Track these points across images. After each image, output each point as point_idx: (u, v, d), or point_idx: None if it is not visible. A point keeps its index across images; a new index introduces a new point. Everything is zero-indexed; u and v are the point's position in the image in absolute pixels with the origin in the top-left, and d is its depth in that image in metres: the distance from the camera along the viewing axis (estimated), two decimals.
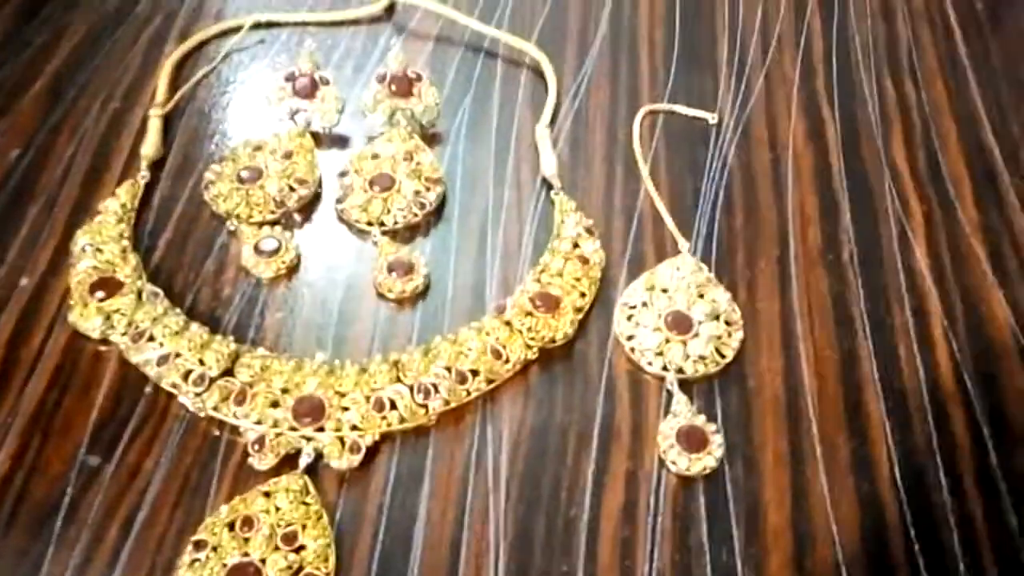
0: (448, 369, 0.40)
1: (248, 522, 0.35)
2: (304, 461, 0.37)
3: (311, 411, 0.38)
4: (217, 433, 0.39)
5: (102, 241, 0.43)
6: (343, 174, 0.48)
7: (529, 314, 0.42)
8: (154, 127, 0.49)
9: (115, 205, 0.45)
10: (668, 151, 0.52)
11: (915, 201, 0.49)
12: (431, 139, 0.51)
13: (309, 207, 0.48)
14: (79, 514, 0.36)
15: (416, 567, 0.35)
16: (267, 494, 0.36)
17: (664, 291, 0.44)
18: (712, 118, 0.53)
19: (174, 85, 0.53)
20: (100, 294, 0.41)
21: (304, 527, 0.35)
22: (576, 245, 0.45)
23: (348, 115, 0.51)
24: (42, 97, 0.52)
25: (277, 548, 0.34)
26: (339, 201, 0.47)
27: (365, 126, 0.51)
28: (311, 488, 0.36)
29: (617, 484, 0.38)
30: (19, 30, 0.56)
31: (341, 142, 0.51)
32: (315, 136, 0.50)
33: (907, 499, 0.38)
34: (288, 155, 0.48)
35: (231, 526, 0.35)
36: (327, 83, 0.50)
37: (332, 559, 0.35)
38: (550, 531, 0.36)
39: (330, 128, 0.51)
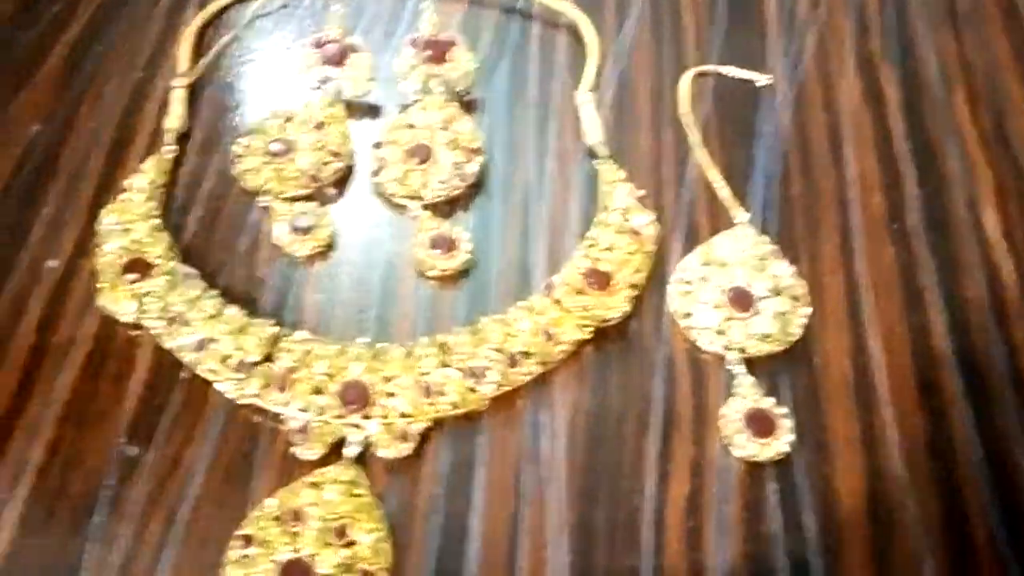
0: (498, 351, 0.38)
1: (297, 515, 0.33)
2: (352, 450, 0.35)
3: (357, 397, 0.36)
4: (258, 419, 0.37)
5: (130, 220, 0.41)
6: (378, 145, 0.45)
7: (580, 292, 0.40)
8: (178, 98, 0.47)
9: (142, 182, 0.43)
10: (718, 115, 0.49)
11: (983, 167, 0.47)
12: (467, 106, 0.49)
13: (343, 180, 0.45)
14: (120, 508, 0.34)
15: (474, 562, 0.33)
16: (315, 485, 0.34)
17: (723, 265, 0.41)
18: (764, 80, 0.50)
19: (197, 54, 0.50)
20: (131, 276, 0.39)
21: (356, 520, 0.33)
22: (627, 218, 0.43)
23: (379, 82, 0.49)
24: (60, 69, 0.50)
25: (328, 544, 0.33)
26: (375, 174, 0.45)
27: (397, 93, 0.49)
28: (361, 479, 0.35)
29: (681, 472, 0.36)
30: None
31: (373, 111, 0.49)
32: (346, 105, 0.48)
33: (990, 485, 0.36)
34: (319, 126, 0.46)
35: (279, 520, 0.33)
36: (357, 50, 0.48)
37: (387, 554, 0.33)
38: (612, 523, 0.35)
39: (361, 97, 0.48)
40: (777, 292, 0.40)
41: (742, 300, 0.40)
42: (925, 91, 0.50)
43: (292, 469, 0.36)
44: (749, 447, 0.36)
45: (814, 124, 0.49)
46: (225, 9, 0.53)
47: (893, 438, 0.37)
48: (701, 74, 0.51)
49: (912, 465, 0.36)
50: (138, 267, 0.39)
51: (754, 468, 0.36)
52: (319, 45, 0.48)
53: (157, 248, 0.40)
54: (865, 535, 0.34)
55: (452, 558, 0.34)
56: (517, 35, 0.53)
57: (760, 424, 0.37)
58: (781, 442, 0.36)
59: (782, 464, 0.36)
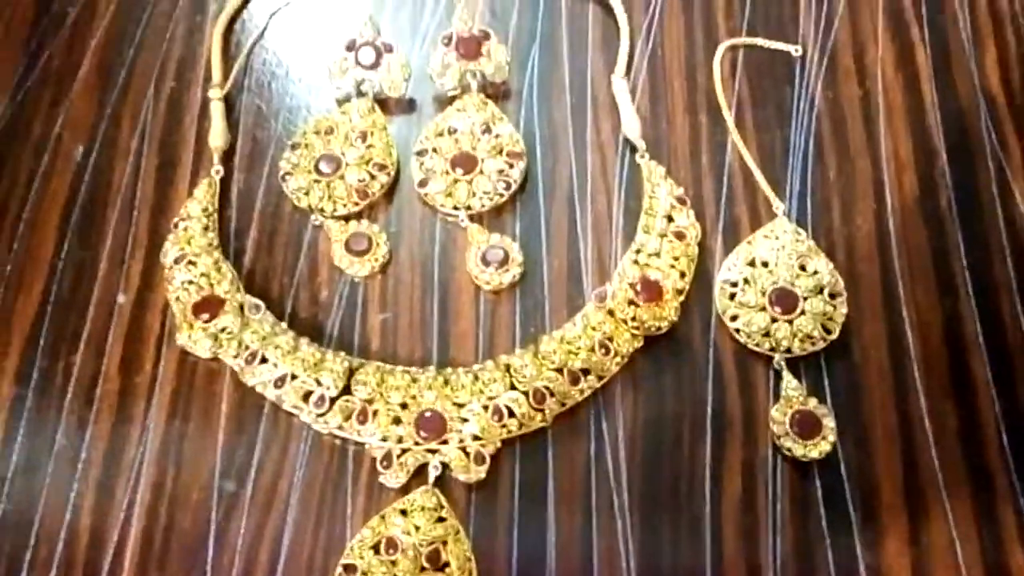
0: (559, 370, 0.39)
1: (392, 544, 0.35)
2: (433, 475, 0.37)
3: (434, 426, 0.38)
4: (340, 442, 0.39)
5: (193, 252, 0.42)
6: (421, 153, 0.45)
7: (632, 302, 0.40)
8: (217, 112, 0.46)
9: (197, 210, 0.43)
10: (752, 93, 0.48)
11: (1012, 136, 0.46)
12: (503, 97, 0.48)
13: (391, 190, 0.45)
14: (228, 541, 0.37)
15: (553, 571, 0.36)
16: (403, 512, 0.36)
17: (764, 264, 0.42)
18: (796, 51, 0.49)
19: (226, 55, 0.49)
20: (204, 316, 0.40)
21: (445, 543, 0.36)
22: (671, 219, 0.43)
23: (414, 77, 0.47)
24: (92, 80, 0.48)
25: (424, 568, 0.35)
26: (421, 185, 0.44)
27: (433, 87, 0.47)
28: (444, 502, 0.37)
29: (734, 474, 0.38)
30: (47, 5, 0.51)
31: (410, 108, 0.48)
32: (382, 104, 0.47)
33: (1015, 467, 0.38)
34: (363, 136, 0.45)
35: (375, 548, 0.36)
36: (391, 50, 0.46)
37: (474, 571, 0.36)
38: (675, 528, 0.37)
39: (398, 95, 0.47)
40: (818, 290, 0.41)
41: (786, 301, 0.41)
42: (955, 53, 0.49)
43: (380, 493, 0.38)
44: (796, 449, 0.38)
45: (847, 98, 0.48)
46: (247, 1, 0.51)
47: (927, 428, 0.39)
48: (733, 47, 0.49)
49: (944, 453, 0.38)
50: (209, 306, 0.40)
51: (801, 466, 0.38)
52: (352, 48, 0.46)
53: (224, 283, 0.41)
54: (904, 524, 0.37)
55: (532, 568, 0.36)
56: (545, 13, 0.50)
57: (805, 426, 0.38)
58: (826, 442, 0.38)
59: (826, 460, 0.38)
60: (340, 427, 0.38)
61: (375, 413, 0.38)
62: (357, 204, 0.44)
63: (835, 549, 0.37)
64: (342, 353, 0.39)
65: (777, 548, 0.37)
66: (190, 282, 0.41)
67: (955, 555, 0.36)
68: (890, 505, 0.37)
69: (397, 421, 0.38)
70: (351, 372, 0.39)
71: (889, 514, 0.37)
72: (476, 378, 0.39)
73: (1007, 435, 0.39)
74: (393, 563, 0.35)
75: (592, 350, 0.39)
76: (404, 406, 0.38)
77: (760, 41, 0.49)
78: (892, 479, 0.38)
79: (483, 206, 0.44)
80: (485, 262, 0.42)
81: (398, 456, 0.38)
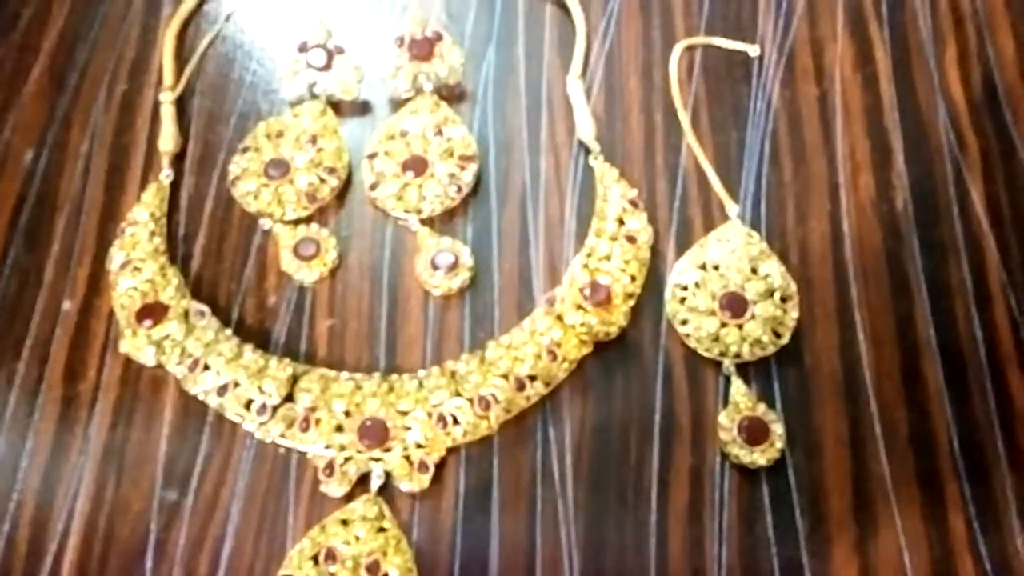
0: (505, 377, 0.37)
1: (331, 555, 0.34)
2: (375, 484, 0.36)
3: (376, 434, 0.36)
4: (286, 454, 0.37)
5: (139, 258, 0.40)
6: (372, 156, 0.43)
7: (580, 307, 0.39)
8: (168, 115, 0.44)
9: (144, 215, 0.41)
10: (708, 93, 0.46)
11: (971, 135, 0.44)
12: (457, 98, 0.46)
13: (342, 193, 0.43)
14: (167, 551, 0.35)
15: None
16: (344, 522, 0.35)
17: (716, 268, 0.40)
18: (753, 51, 0.47)
19: (179, 58, 0.47)
20: (148, 322, 0.38)
21: (385, 554, 0.34)
22: (622, 222, 0.41)
23: (367, 80, 0.46)
24: (43, 84, 0.46)
25: None
26: (372, 188, 0.43)
27: (387, 89, 0.46)
28: (386, 512, 0.35)
29: (681, 481, 0.37)
30: (2, 5, 0.49)
31: (363, 110, 0.46)
32: (335, 106, 0.45)
33: (966, 475, 0.37)
34: (313, 140, 0.43)
35: (315, 559, 0.34)
36: (342, 52, 0.44)
37: None
38: (621, 536, 0.35)
39: (351, 98, 0.45)
40: (769, 295, 0.40)
41: (735, 306, 0.39)
42: (915, 51, 0.47)
43: (323, 501, 0.36)
44: (744, 455, 0.36)
45: (804, 98, 0.46)
46: (201, 3, 0.49)
47: (878, 435, 0.37)
48: (690, 47, 0.48)
49: (895, 460, 0.37)
50: (153, 312, 0.38)
51: (749, 473, 0.37)
52: (304, 50, 0.44)
53: (168, 289, 0.39)
54: (852, 535, 0.36)
55: None
56: (502, 13, 0.49)
57: (753, 432, 0.37)
58: (773, 449, 0.36)
59: (774, 468, 0.37)
60: (282, 435, 0.37)
61: (318, 421, 0.37)
62: (306, 208, 0.42)
63: (781, 557, 0.35)
64: (286, 360, 0.38)
65: (722, 556, 0.35)
66: (134, 288, 0.39)
67: (903, 564, 0.35)
68: (838, 512, 0.36)
69: (340, 429, 0.36)
70: (295, 379, 0.37)
71: (837, 522, 0.36)
72: (421, 385, 0.37)
73: (958, 442, 0.37)
74: (332, 574, 0.34)
75: (539, 356, 0.38)
76: (348, 414, 0.37)
77: (717, 41, 0.47)
78: (841, 486, 0.37)
79: (434, 210, 0.42)
80: (434, 266, 0.40)
81: (340, 465, 0.36)
